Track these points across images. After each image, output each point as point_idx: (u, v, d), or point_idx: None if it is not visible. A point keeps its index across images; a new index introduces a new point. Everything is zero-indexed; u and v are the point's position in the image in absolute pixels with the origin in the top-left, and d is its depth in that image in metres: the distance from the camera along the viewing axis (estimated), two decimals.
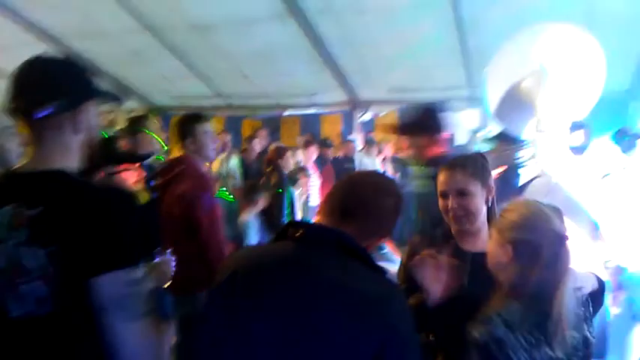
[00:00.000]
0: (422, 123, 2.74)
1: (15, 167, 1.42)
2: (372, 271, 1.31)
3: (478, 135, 7.26)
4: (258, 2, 5.72)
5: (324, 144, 7.78)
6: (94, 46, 6.93)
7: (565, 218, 1.60)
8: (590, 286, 1.67)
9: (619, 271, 3.12)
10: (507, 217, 1.61)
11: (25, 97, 1.34)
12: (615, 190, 3.14)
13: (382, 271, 1.33)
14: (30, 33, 6.66)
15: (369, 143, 7.97)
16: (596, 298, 1.67)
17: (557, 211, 1.61)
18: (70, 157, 1.38)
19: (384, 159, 7.80)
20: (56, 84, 1.36)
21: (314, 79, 7.18)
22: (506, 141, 3.95)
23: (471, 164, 1.89)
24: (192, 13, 6.06)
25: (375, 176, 1.59)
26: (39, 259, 1.25)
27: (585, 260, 2.51)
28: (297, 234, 1.32)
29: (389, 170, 7.70)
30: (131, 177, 2.23)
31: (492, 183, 1.92)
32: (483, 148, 6.14)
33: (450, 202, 1.85)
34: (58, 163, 1.35)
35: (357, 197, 1.38)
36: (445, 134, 2.74)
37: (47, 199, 1.29)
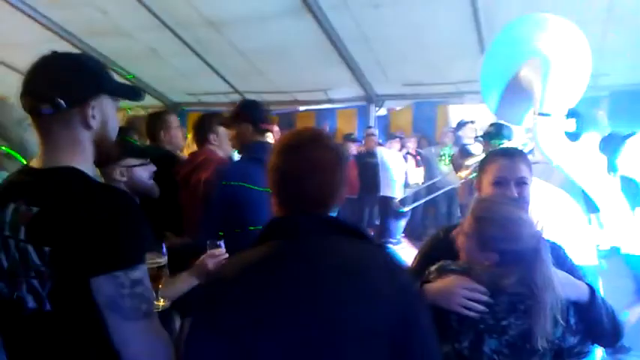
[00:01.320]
0: (238, 114, 2.91)
1: (30, 163, 1.42)
2: (364, 242, 1.33)
3: (463, 130, 7.25)
4: None
5: (349, 139, 7.78)
6: (110, 43, 6.99)
7: (565, 200, 1.58)
8: (574, 294, 1.63)
9: (614, 252, 3.17)
10: (487, 228, 1.63)
11: (33, 94, 1.33)
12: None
13: (371, 239, 1.36)
14: (47, 30, 6.73)
15: (391, 137, 7.96)
16: (582, 309, 1.63)
17: (524, 206, 1.69)
18: (80, 153, 1.36)
19: (407, 153, 7.79)
20: (62, 79, 1.33)
21: (329, 74, 7.17)
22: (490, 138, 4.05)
23: (524, 155, 1.97)
24: (208, 9, 6.08)
25: (312, 161, 1.33)
26: (34, 258, 1.25)
27: (581, 242, 2.54)
28: (284, 230, 1.30)
29: (412, 165, 7.70)
30: (146, 171, 2.22)
31: None
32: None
33: (509, 190, 1.88)
34: (67, 159, 1.33)
35: (312, 188, 1.30)
36: (263, 125, 2.90)
37: (45, 198, 1.28)
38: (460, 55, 6.04)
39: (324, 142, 1.35)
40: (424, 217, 8.11)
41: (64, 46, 6.64)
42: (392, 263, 1.32)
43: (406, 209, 6.77)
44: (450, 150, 7.54)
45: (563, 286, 1.59)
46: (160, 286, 1.85)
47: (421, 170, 7.81)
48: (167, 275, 1.91)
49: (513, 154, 1.95)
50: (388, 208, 7.41)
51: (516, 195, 1.87)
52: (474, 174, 5.09)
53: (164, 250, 1.88)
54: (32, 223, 1.26)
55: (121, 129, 1.57)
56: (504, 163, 1.92)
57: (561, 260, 1.78)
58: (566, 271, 1.69)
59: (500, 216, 1.64)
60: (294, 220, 1.30)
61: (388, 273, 1.28)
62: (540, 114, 2.61)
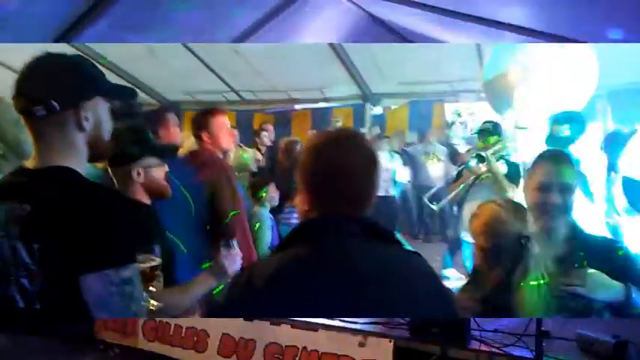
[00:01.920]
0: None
1: (24, 164, 1.42)
2: (399, 247, 1.32)
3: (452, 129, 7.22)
4: None
5: None
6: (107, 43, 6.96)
7: None
8: (606, 295, 1.64)
9: None
10: (473, 225, 1.71)
11: (26, 95, 1.33)
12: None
13: (401, 243, 1.34)
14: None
15: (379, 137, 7.93)
16: (618, 308, 1.64)
17: (519, 209, 1.71)
18: (73, 154, 1.36)
19: (393, 151, 7.76)
20: (56, 81, 1.33)
21: (325, 72, 7.16)
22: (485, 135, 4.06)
23: (571, 159, 1.90)
24: None
25: (351, 155, 1.30)
26: (24, 257, 1.26)
27: None
28: (321, 231, 1.26)
29: (398, 164, 7.67)
30: (161, 172, 2.18)
31: None
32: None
33: (551, 197, 1.79)
34: (61, 160, 1.33)
35: (348, 188, 1.27)
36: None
37: (37, 197, 1.28)
38: (456, 54, 6.05)
39: (359, 141, 1.33)
40: (420, 215, 8.12)
41: (59, 46, 6.61)
42: (428, 270, 1.32)
43: (436, 206, 6.63)
44: (437, 148, 7.49)
45: (596, 288, 1.61)
46: (153, 287, 1.85)
47: (407, 169, 7.72)
48: (161, 277, 1.90)
49: (559, 159, 1.88)
50: (380, 208, 7.36)
51: (559, 202, 1.79)
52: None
53: (157, 251, 1.87)
54: (24, 222, 1.27)
55: (137, 128, 1.56)
56: (549, 168, 1.85)
57: (614, 254, 1.77)
58: (620, 265, 1.69)
59: (481, 211, 1.71)
60: (330, 221, 1.26)
61: (425, 279, 1.28)
62: (518, 127, 2.65)
